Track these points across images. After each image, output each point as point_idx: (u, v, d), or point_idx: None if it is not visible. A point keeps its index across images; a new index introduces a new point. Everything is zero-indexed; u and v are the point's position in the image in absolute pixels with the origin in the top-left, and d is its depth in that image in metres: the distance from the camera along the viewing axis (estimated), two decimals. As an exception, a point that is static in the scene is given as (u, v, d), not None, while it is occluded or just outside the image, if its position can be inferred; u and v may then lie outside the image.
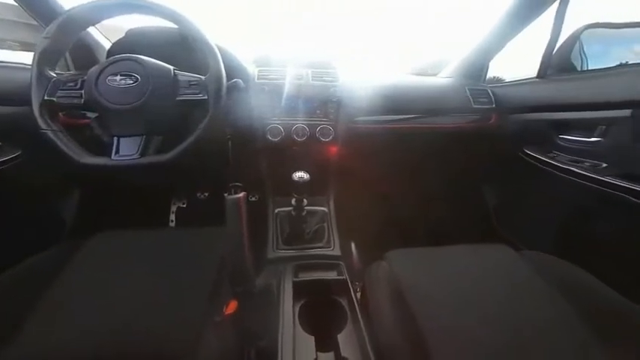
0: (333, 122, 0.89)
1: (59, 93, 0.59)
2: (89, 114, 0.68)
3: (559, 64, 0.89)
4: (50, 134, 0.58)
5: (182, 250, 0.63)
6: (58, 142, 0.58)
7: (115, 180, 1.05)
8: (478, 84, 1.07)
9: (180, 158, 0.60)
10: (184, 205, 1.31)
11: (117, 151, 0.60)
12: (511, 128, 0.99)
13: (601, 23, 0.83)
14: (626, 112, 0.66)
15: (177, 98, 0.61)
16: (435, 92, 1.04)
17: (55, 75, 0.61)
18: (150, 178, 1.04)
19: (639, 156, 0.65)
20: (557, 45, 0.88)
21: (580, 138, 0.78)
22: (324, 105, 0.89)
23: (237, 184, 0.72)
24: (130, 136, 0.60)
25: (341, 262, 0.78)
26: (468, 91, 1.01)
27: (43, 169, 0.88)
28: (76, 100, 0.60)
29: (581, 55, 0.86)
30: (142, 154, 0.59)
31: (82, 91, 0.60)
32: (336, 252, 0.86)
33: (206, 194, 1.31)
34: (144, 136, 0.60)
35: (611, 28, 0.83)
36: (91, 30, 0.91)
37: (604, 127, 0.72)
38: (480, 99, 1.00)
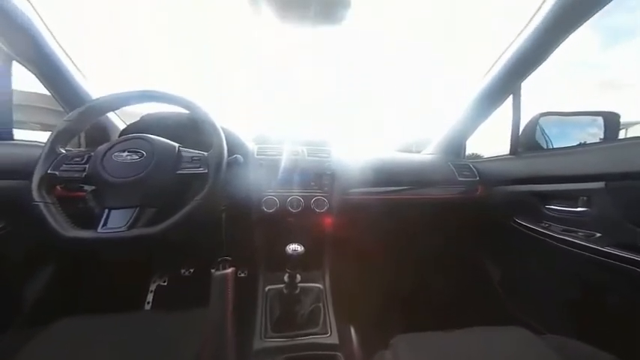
0: (327, 194, 0.91)
1: (63, 167, 0.62)
2: (86, 187, 0.69)
3: (527, 143, 1.00)
4: (41, 206, 0.57)
5: (156, 338, 0.54)
6: (47, 215, 0.57)
7: (95, 255, 0.99)
8: (460, 160, 1.17)
9: (171, 230, 0.58)
10: (165, 283, 1.20)
11: (104, 224, 0.58)
12: (498, 199, 1.03)
13: (552, 112, 0.98)
14: (600, 185, 0.70)
15: (178, 172, 0.64)
16: (421, 166, 1.12)
17: (64, 151, 0.64)
18: (134, 253, 0.98)
19: (627, 225, 0.66)
20: (521, 127, 1.01)
21: (566, 208, 0.81)
22: (318, 177, 0.93)
23: (226, 258, 0.68)
24: (123, 208, 0.60)
25: (339, 353, 0.67)
26: (451, 165, 1.09)
27: (23, 242, 0.83)
28: (77, 174, 0.62)
29: (544, 136, 0.98)
30: (131, 227, 0.57)
31: (87, 166, 0.62)
32: (334, 339, 0.75)
33: (191, 270, 1.21)
34: (137, 208, 0.59)
35: (561, 115, 0.98)
36: (109, 113, 1.02)
37: (585, 198, 0.75)
38: (463, 172, 1.08)
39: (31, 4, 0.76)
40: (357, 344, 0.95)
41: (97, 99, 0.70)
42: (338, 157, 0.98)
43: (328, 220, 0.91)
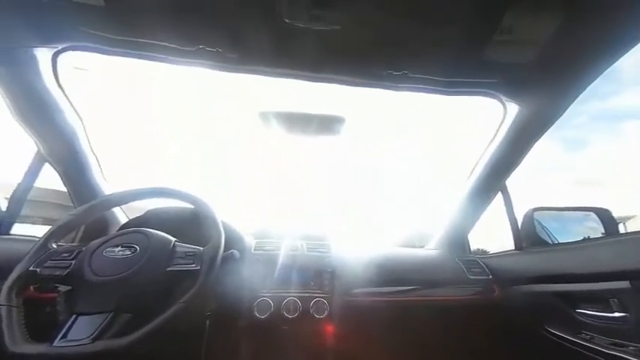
0: (328, 295, 0.82)
1: (48, 263, 0.58)
2: (61, 287, 0.63)
3: (529, 237, 0.98)
4: (3, 310, 0.51)
5: None
6: (3, 322, 0.49)
7: None
8: (466, 255, 1.11)
9: (144, 342, 0.49)
10: None
11: (64, 335, 0.49)
12: (519, 301, 0.91)
13: (544, 207, 1.01)
14: (625, 284, 0.64)
15: (169, 269, 0.60)
16: (428, 262, 1.06)
17: (55, 247, 0.62)
18: None
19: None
20: (519, 222, 1.01)
21: (601, 313, 0.71)
22: (318, 275, 0.86)
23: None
24: (94, 313, 0.52)
25: None
26: (459, 262, 1.03)
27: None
28: (58, 272, 0.58)
29: (545, 230, 0.98)
30: (96, 339, 0.48)
31: (73, 262, 0.59)
32: None
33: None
34: (110, 314, 0.52)
35: (553, 210, 1.01)
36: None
37: (615, 300, 0.67)
38: (473, 269, 1.01)
39: (81, 118, 0.88)
40: None
41: (109, 195, 0.74)
42: (338, 253, 0.94)
43: (329, 329, 0.78)
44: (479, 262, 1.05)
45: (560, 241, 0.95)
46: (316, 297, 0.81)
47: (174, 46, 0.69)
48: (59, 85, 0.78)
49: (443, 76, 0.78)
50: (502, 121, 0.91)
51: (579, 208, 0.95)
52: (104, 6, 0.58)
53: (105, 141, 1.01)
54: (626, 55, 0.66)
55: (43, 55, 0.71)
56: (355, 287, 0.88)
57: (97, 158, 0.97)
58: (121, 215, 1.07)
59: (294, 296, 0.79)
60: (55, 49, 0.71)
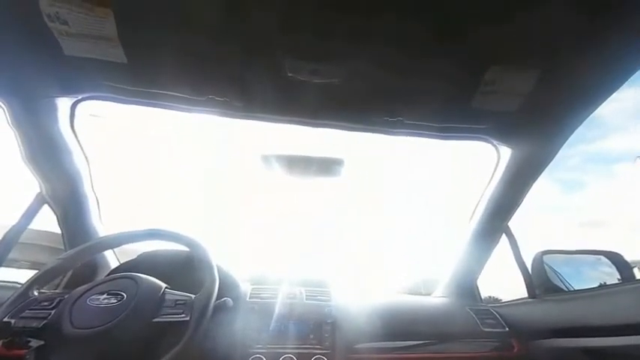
0: (328, 351, 0.74)
1: (25, 313, 0.54)
2: (33, 342, 0.56)
3: (542, 284, 0.92)
4: None
5: None
6: None
7: None
8: (477, 304, 1.03)
9: None
10: None
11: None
12: (543, 359, 0.82)
13: (553, 250, 0.97)
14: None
15: (155, 319, 0.55)
16: (437, 312, 0.98)
17: (36, 294, 0.58)
18: None
19: None
20: (529, 266, 0.96)
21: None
22: (318, 328, 0.78)
23: None
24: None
25: None
26: (470, 312, 0.95)
27: None
28: (35, 323, 0.53)
29: (557, 275, 0.92)
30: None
31: (52, 312, 0.54)
32: None
33: None
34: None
35: (562, 253, 0.97)
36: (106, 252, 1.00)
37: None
38: (487, 320, 0.92)
39: (87, 160, 0.89)
40: None
41: (102, 238, 0.72)
42: (340, 302, 0.87)
43: None
44: (492, 311, 0.97)
45: (575, 287, 0.89)
46: (316, 354, 0.73)
47: (186, 96, 0.75)
48: (73, 132, 0.82)
49: (436, 122, 0.82)
50: (497, 164, 0.93)
51: (589, 251, 0.91)
52: (126, 63, 0.65)
53: (105, 182, 1.02)
54: (605, 103, 0.71)
55: (62, 104, 0.76)
56: (358, 342, 0.80)
57: (97, 200, 0.97)
58: (112, 259, 1.02)
59: (290, 353, 0.72)
60: (75, 99, 0.77)
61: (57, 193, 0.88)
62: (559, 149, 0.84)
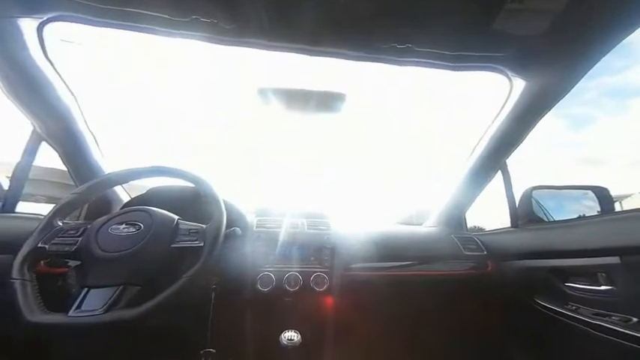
0: (327, 269, 0.85)
1: (55, 240, 0.60)
2: (71, 262, 0.65)
3: (526, 215, 1.00)
4: (17, 284, 0.53)
5: None
6: (19, 294, 0.52)
7: (51, 349, 0.84)
8: (463, 232, 1.14)
9: (154, 312, 0.52)
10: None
11: (78, 306, 0.52)
12: (511, 275, 0.95)
13: (543, 185, 1.01)
14: (615, 259, 0.66)
15: (173, 245, 0.61)
16: (424, 239, 1.08)
17: (61, 224, 0.63)
18: (101, 345, 0.84)
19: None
20: (517, 200, 1.03)
21: (589, 286, 0.74)
22: (318, 251, 0.89)
23: (210, 350, 0.58)
24: (104, 287, 0.55)
25: None
26: (455, 239, 1.06)
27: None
28: (67, 248, 0.59)
29: (541, 208, 0.99)
30: (108, 309, 0.51)
31: (80, 239, 0.60)
32: None
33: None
34: (119, 287, 0.54)
35: (552, 189, 1.01)
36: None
37: (603, 274, 0.70)
38: (468, 246, 1.03)
39: (73, 94, 0.86)
40: None
41: (110, 174, 0.74)
42: (338, 230, 0.96)
43: (329, 301, 0.82)
44: (474, 238, 1.08)
45: (555, 219, 0.96)
46: (316, 272, 0.84)
47: (166, 16, 0.65)
48: (47, 59, 0.75)
49: (448, 50, 0.74)
50: (507, 98, 0.89)
51: (578, 186, 0.95)
52: None
53: (100, 119, 1.00)
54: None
55: (27, 26, 0.67)
56: (354, 262, 0.92)
57: (94, 136, 0.96)
58: (123, 194, 1.08)
59: (295, 271, 0.83)
60: (40, 20, 0.67)
61: (51, 130, 0.87)
62: (579, 80, 0.78)
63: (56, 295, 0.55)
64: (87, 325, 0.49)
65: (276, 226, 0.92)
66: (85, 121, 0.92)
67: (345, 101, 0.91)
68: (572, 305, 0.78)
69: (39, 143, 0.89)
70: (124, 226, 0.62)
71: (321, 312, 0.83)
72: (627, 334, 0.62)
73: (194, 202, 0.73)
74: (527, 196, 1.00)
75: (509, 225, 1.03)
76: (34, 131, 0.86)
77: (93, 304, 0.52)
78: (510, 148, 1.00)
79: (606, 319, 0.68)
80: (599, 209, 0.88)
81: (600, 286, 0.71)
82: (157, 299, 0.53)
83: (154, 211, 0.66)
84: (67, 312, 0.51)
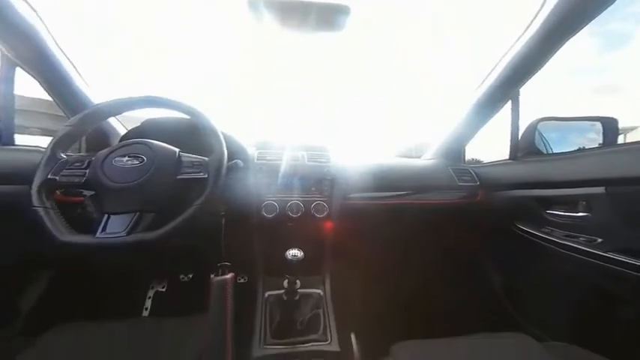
0: (327, 198, 0.91)
1: (64, 172, 0.62)
2: (85, 192, 0.69)
3: (526, 148, 1.00)
4: (40, 211, 0.57)
5: (154, 346, 0.53)
6: (45, 219, 0.57)
7: (91, 263, 0.98)
8: (460, 164, 1.17)
9: (170, 236, 0.58)
10: (164, 289, 1.19)
11: (103, 229, 0.58)
12: (499, 204, 1.02)
13: (551, 117, 0.98)
14: (600, 190, 0.70)
15: (178, 177, 0.64)
16: (421, 171, 1.12)
17: (65, 157, 0.64)
18: (130, 260, 0.97)
19: (628, 231, 0.66)
20: (520, 132, 1.01)
21: (567, 213, 0.81)
22: (318, 183, 0.93)
23: (225, 263, 0.67)
24: (122, 213, 0.59)
25: None
26: (451, 170, 1.09)
27: (18, 249, 0.82)
28: (77, 179, 0.62)
29: (543, 141, 0.98)
30: (130, 232, 0.57)
31: (87, 171, 0.62)
32: (334, 347, 0.73)
33: (190, 276, 1.20)
34: (136, 214, 0.59)
35: (559, 120, 0.98)
36: (110, 118, 1.02)
37: (584, 202, 0.75)
38: (463, 177, 1.08)
39: (35, 10, 0.77)
40: (358, 351, 0.93)
41: (99, 104, 0.71)
42: (338, 163, 0.98)
43: (328, 225, 0.91)
44: (470, 170, 1.11)
45: (554, 152, 0.97)
46: (317, 200, 0.89)
47: None
48: None
49: None
50: (538, 11, 0.77)
51: (587, 118, 0.92)
52: None
53: (79, 46, 0.90)
54: None
55: None
56: (352, 192, 0.97)
57: (73, 64, 0.89)
58: (119, 126, 1.06)
59: (296, 200, 0.88)
60: None
61: (21, 53, 0.79)
62: None
63: (78, 221, 0.60)
64: (113, 244, 0.56)
65: (276, 159, 0.94)
66: (58, 44, 0.83)
67: (349, 15, 0.79)
68: (548, 229, 0.86)
69: (13, 69, 0.82)
70: (126, 158, 0.63)
71: (321, 235, 0.93)
72: (589, 251, 0.71)
73: (192, 134, 0.72)
74: (532, 128, 0.98)
75: (507, 158, 1.05)
76: (3, 55, 0.79)
77: (115, 228, 0.58)
78: (528, 75, 0.93)
79: (574, 240, 0.77)
80: (601, 142, 0.87)
81: (578, 212, 0.77)
82: (172, 224, 0.59)
83: (153, 143, 0.66)
84: (94, 234, 0.57)
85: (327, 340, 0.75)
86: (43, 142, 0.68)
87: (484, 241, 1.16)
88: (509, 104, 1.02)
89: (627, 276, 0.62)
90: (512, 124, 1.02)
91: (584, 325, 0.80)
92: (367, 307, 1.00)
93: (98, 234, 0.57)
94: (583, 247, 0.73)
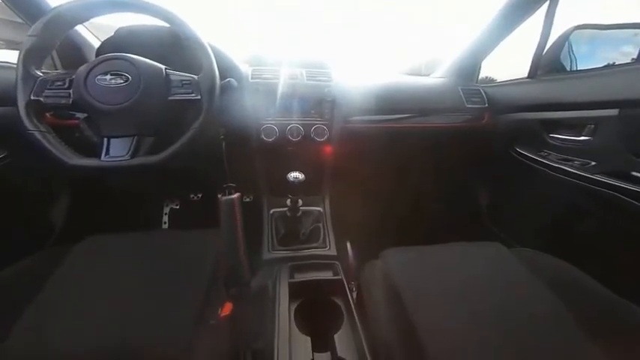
0: (327, 122, 0.89)
1: (46, 92, 0.58)
2: (78, 114, 0.66)
3: (549, 64, 0.91)
4: (37, 135, 0.57)
5: (175, 253, 0.62)
6: (46, 144, 0.57)
7: (105, 182, 1.04)
8: (471, 84, 1.08)
9: (172, 160, 0.59)
10: (177, 207, 1.30)
11: (107, 152, 0.58)
12: (503, 127, 1.00)
13: (589, 24, 0.85)
14: (614, 112, 0.67)
15: (170, 98, 0.60)
16: (428, 92, 1.05)
17: (41, 74, 0.59)
18: (141, 181, 1.02)
19: (626, 155, 0.67)
20: (548, 45, 0.89)
21: (570, 137, 0.80)
22: (318, 105, 0.88)
23: (231, 184, 0.71)
24: (120, 137, 0.59)
25: (336, 262, 0.78)
26: (460, 90, 1.02)
27: (31, 171, 0.86)
28: (64, 101, 0.58)
29: (570, 55, 0.88)
30: (133, 156, 0.58)
31: (70, 91, 0.58)
32: (332, 252, 0.86)
33: (199, 195, 1.29)
34: (135, 137, 0.59)
35: (598, 29, 0.85)
36: (80, 28, 0.89)
37: (592, 126, 0.73)
38: (472, 98, 1.02)
39: None
40: (352, 255, 1.10)
41: (58, 7, 0.60)
42: (339, 82, 0.91)
43: (328, 149, 0.92)
44: (480, 90, 1.04)
45: (579, 68, 0.88)
46: (317, 124, 0.87)
47: None
48: None
49: None
50: None
51: (630, 25, 0.80)
52: None
53: None
54: None
55: None
56: (353, 115, 0.94)
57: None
58: (92, 38, 0.94)
59: (296, 123, 0.86)
60: None
61: None
62: None
63: (80, 145, 0.60)
64: (119, 167, 0.58)
65: (273, 77, 0.87)
66: None
67: None
68: (545, 152, 0.87)
69: None
70: (109, 76, 0.58)
71: (321, 158, 0.95)
72: (578, 174, 0.74)
73: (174, 47, 0.64)
74: (563, 38, 0.86)
75: (525, 76, 0.96)
76: None
77: (118, 152, 0.58)
78: None
79: (569, 163, 0.79)
80: (635, 56, 0.78)
81: (580, 136, 0.76)
82: (172, 148, 0.59)
83: (134, 59, 0.60)
84: (99, 157, 0.58)
85: (326, 247, 0.87)
86: (11, 55, 0.61)
87: (478, 164, 1.20)
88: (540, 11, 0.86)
89: (605, 195, 0.67)
90: (542, 34, 0.88)
91: (553, 237, 0.91)
92: (362, 221, 1.12)
93: (103, 157, 0.58)
94: (573, 170, 0.75)
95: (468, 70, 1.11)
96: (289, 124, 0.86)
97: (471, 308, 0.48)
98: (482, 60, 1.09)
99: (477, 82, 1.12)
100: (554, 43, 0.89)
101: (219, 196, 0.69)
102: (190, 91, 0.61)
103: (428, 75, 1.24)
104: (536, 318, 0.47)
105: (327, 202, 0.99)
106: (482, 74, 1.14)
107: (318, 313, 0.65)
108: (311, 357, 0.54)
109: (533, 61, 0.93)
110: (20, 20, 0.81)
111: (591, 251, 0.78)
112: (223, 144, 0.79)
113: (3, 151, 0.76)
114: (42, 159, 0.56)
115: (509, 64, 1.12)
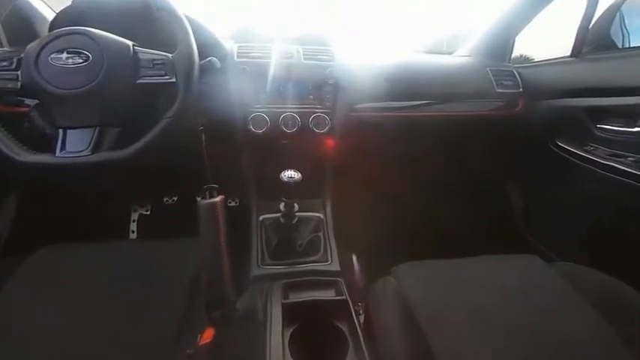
0: (329, 110, 0.88)
1: None
2: (27, 101, 0.66)
3: (596, 40, 0.91)
4: None
5: (146, 268, 0.62)
6: None
7: (61, 183, 1.04)
8: (502, 64, 1.08)
9: (141, 155, 0.59)
10: (148, 212, 1.30)
11: (63, 147, 0.58)
12: (540, 116, 1.00)
13: (644, -8, 0.85)
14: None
15: (139, 81, 0.60)
16: (451, 74, 1.05)
17: None
18: (104, 180, 1.02)
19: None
20: (595, 18, 0.90)
21: (621, 128, 0.80)
22: (318, 89, 0.88)
23: (212, 185, 0.71)
24: (79, 127, 0.59)
25: (340, 279, 0.78)
26: (490, 72, 1.02)
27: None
28: (10, 84, 0.58)
29: (622, 29, 0.88)
30: (94, 150, 0.58)
31: (19, 73, 0.58)
32: (334, 267, 0.86)
33: (174, 199, 1.30)
34: (97, 129, 0.59)
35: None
36: (30, -2, 0.89)
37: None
38: (504, 82, 1.01)
39: None
40: (359, 271, 1.10)
41: None
42: (343, 61, 0.91)
43: (330, 142, 0.91)
44: (514, 72, 1.04)
45: (632, 45, 0.88)
46: (316, 112, 0.87)
47: None
48: None
49: None
50: None
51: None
52: None
53: None
54: None
55: None
56: (360, 102, 0.94)
57: None
58: (44, 9, 0.94)
59: (291, 111, 0.86)
60: None
61: None
62: None
63: (30, 137, 0.60)
64: (77, 164, 0.58)
65: (263, 56, 0.87)
66: None
67: None
68: (592, 146, 0.87)
69: None
70: (66, 55, 0.58)
71: (321, 153, 0.95)
72: (634, 173, 0.74)
73: (144, 19, 0.64)
74: (614, 9, 0.87)
75: (568, 55, 0.96)
76: None
77: (76, 146, 0.58)
78: None
79: (620, 159, 0.79)
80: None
81: (634, 127, 0.76)
82: (142, 141, 0.59)
83: (96, 34, 0.60)
84: (54, 153, 0.58)
85: (327, 261, 0.87)
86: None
87: (510, 160, 1.19)
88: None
89: None
90: (588, 3, 0.88)
91: (601, 248, 0.91)
92: (371, 229, 1.12)
93: (58, 152, 0.58)
94: (625, 168, 0.75)
95: (499, 48, 1.11)
96: (283, 113, 0.86)
97: (501, 334, 0.48)
98: (517, 35, 1.09)
99: (509, 62, 1.12)
100: (602, 16, 0.89)
101: (199, 199, 0.69)
102: (163, 72, 0.61)
103: (450, 53, 1.25)
104: (580, 345, 0.47)
105: (328, 206, 0.99)
106: (516, 52, 1.14)
107: (317, 340, 0.65)
108: None
109: (577, 37, 0.93)
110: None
111: None
112: (203, 136, 0.79)
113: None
114: None
115: (548, 39, 1.12)
